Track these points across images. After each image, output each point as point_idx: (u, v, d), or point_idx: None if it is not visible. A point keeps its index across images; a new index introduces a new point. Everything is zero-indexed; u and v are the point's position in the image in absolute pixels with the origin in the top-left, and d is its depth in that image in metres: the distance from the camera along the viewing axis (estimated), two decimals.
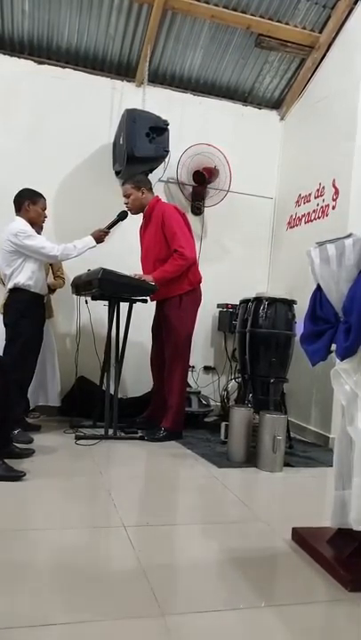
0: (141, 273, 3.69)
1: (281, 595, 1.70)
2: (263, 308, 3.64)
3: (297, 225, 4.56)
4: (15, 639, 1.31)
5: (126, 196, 3.73)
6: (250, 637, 1.42)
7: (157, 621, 1.42)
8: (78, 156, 4.41)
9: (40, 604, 1.48)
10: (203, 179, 4.51)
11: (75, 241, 3.43)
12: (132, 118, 4.08)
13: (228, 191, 4.57)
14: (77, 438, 3.40)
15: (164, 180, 4.52)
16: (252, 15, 4.14)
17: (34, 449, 2.99)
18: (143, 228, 3.84)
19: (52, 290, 3.89)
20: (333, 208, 3.99)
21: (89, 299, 3.69)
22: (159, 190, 4.39)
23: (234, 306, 4.32)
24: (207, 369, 4.76)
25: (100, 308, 3.69)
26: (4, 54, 4.24)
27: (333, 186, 3.99)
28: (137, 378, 4.31)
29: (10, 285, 3.36)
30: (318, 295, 1.94)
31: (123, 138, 4.12)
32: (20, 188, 3.44)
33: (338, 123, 4.01)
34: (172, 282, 3.61)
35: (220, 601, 1.59)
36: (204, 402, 4.28)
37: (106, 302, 3.59)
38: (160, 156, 4.19)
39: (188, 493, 2.77)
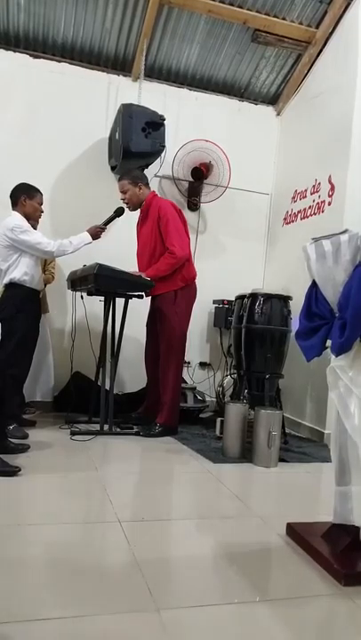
0: (137, 269, 3.69)
1: (275, 589, 1.71)
2: (259, 304, 3.65)
3: (293, 221, 4.56)
4: (10, 634, 1.31)
5: (123, 192, 3.72)
6: (244, 632, 1.43)
7: (152, 616, 1.43)
8: (74, 150, 4.39)
9: (35, 598, 1.48)
10: (201, 175, 4.50)
11: (71, 237, 3.43)
12: (128, 113, 4.06)
13: (226, 187, 4.57)
14: (73, 434, 3.40)
15: (160, 176, 4.51)
16: (248, 10, 4.13)
17: (29, 444, 2.99)
18: (140, 224, 3.83)
19: None
20: (329, 204, 3.99)
21: (84, 294, 3.69)
22: (155, 186, 4.38)
23: (230, 302, 4.32)
24: (203, 365, 4.77)
25: (96, 303, 3.68)
26: (0, 48, 4.21)
27: (329, 182, 3.99)
28: (133, 374, 4.31)
29: (5, 281, 3.35)
30: (314, 291, 1.94)
31: (119, 133, 4.10)
32: (16, 183, 3.42)
33: (334, 118, 4.01)
34: (166, 278, 3.61)
35: (215, 596, 1.59)
36: (199, 397, 4.28)
37: (101, 298, 3.59)
38: (156, 151, 4.18)
39: (183, 488, 2.77)
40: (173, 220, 3.64)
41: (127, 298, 3.62)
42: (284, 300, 3.70)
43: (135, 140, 4.03)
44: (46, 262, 3.97)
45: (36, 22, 4.15)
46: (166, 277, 3.61)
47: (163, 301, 3.67)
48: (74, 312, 3.91)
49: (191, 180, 4.54)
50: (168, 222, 3.61)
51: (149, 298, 3.78)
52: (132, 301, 3.64)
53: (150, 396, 3.86)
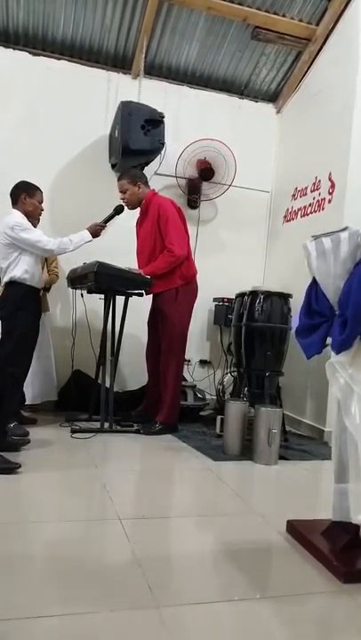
0: (136, 267, 3.69)
1: (276, 587, 1.71)
2: (259, 302, 3.65)
3: (293, 219, 4.55)
4: (11, 631, 1.32)
5: (122, 191, 3.71)
6: (245, 629, 1.43)
7: (152, 613, 1.43)
8: (74, 148, 4.38)
9: (36, 596, 1.49)
10: (211, 174, 4.49)
11: (71, 235, 3.41)
12: (128, 111, 4.05)
13: (230, 186, 4.56)
14: (73, 432, 3.40)
15: (160, 174, 4.49)
16: (248, 7, 4.11)
17: (29, 439, 3.00)
18: (139, 222, 3.83)
19: (46, 288, 3.88)
20: (329, 202, 3.99)
21: (85, 292, 3.68)
22: (155, 183, 4.37)
23: (230, 299, 4.32)
24: (203, 363, 4.77)
25: (96, 301, 3.68)
26: None
27: (330, 179, 3.98)
28: (133, 371, 4.31)
29: (6, 279, 3.34)
30: (314, 289, 1.94)
31: (118, 130, 4.10)
32: (17, 180, 3.42)
33: (334, 116, 4.00)
34: (166, 276, 3.61)
35: (215, 593, 1.59)
36: (199, 395, 4.28)
37: (101, 296, 3.58)
38: (156, 148, 4.16)
39: (183, 486, 2.78)
40: (173, 219, 3.64)
41: (127, 296, 3.61)
42: (285, 297, 3.70)
43: (134, 138, 4.02)
44: (49, 262, 3.97)
45: (36, 19, 4.13)
46: (166, 275, 3.61)
47: (164, 300, 3.67)
48: (74, 310, 3.91)
49: (199, 178, 4.51)
50: (168, 220, 3.60)
51: (151, 296, 3.78)
52: (133, 299, 3.64)
53: (151, 393, 3.85)
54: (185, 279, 3.68)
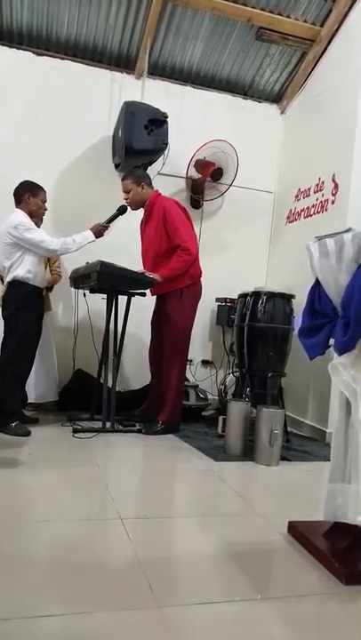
0: (142, 268, 3.68)
1: (277, 587, 1.71)
2: (262, 303, 3.65)
3: (296, 219, 4.55)
4: (12, 630, 1.32)
5: (126, 191, 3.71)
6: (246, 630, 1.43)
7: (153, 613, 1.43)
8: (77, 148, 4.39)
9: (37, 595, 1.49)
10: (220, 174, 4.49)
11: (74, 235, 3.42)
12: (131, 111, 4.06)
13: (230, 185, 4.56)
14: (75, 431, 3.40)
15: (163, 174, 4.49)
16: (253, 8, 4.11)
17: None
18: (144, 223, 3.83)
19: (49, 288, 3.88)
20: (333, 203, 3.98)
21: (87, 292, 3.69)
22: (158, 184, 4.37)
23: (232, 300, 4.32)
24: (205, 363, 4.77)
25: (99, 301, 3.68)
26: (3, 45, 4.21)
27: (333, 180, 3.98)
28: (135, 371, 4.32)
29: (9, 278, 3.35)
30: (317, 289, 1.94)
31: (121, 130, 4.10)
32: (19, 180, 3.42)
33: (338, 117, 4.00)
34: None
35: (216, 593, 1.59)
36: (201, 395, 4.28)
37: (104, 295, 3.58)
38: (159, 148, 4.17)
39: (184, 486, 2.77)
40: (179, 218, 3.63)
41: (130, 295, 3.61)
42: (287, 298, 3.69)
43: (138, 138, 4.02)
44: (51, 262, 3.97)
45: (40, 19, 4.14)
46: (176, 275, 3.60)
47: (169, 300, 3.66)
48: (76, 310, 3.91)
49: (208, 178, 4.51)
50: (174, 220, 3.60)
51: (155, 296, 3.77)
52: (136, 298, 3.64)
53: (153, 393, 3.86)
54: (192, 279, 3.67)
